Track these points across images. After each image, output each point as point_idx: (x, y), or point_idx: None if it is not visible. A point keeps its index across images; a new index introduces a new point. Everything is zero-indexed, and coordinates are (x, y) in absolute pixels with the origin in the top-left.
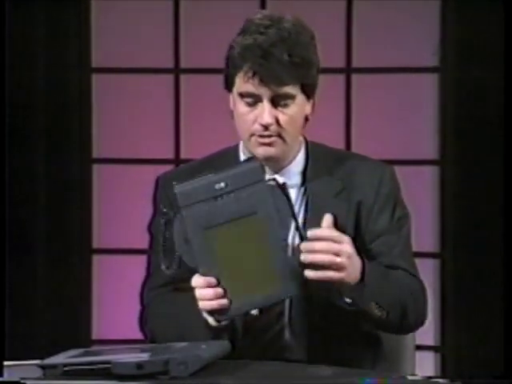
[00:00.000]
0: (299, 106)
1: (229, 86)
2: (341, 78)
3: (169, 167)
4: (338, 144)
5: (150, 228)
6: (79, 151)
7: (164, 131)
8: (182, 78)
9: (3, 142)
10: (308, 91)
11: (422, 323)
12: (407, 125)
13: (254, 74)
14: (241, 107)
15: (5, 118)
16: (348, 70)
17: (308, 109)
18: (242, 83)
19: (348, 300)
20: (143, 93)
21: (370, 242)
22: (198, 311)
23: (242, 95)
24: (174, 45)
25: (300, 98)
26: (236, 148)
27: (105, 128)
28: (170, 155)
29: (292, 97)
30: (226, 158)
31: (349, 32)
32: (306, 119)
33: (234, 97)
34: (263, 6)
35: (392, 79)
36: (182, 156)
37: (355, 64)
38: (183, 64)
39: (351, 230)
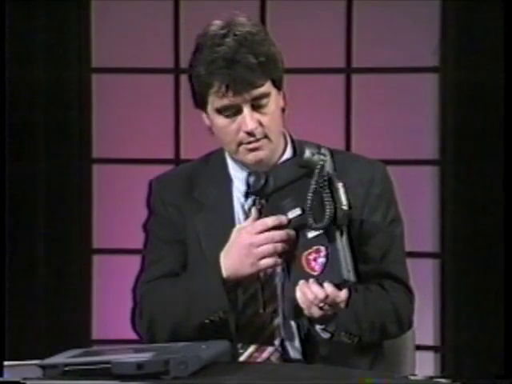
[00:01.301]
0: (275, 101)
1: (201, 105)
2: (341, 78)
3: (169, 167)
4: (338, 144)
5: (146, 226)
6: (79, 151)
7: (164, 131)
8: (182, 78)
9: (3, 143)
10: (278, 84)
11: (408, 328)
12: (407, 125)
13: (227, 87)
14: (220, 122)
15: (5, 118)
16: (348, 70)
17: (281, 101)
18: (216, 99)
19: (319, 329)
20: (143, 93)
21: (363, 244)
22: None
23: (219, 110)
24: (174, 45)
25: (274, 93)
26: (221, 152)
27: (105, 128)
28: (170, 155)
29: (268, 95)
30: (215, 161)
31: (349, 32)
32: (283, 111)
33: (209, 114)
34: (263, 6)
35: (392, 79)
36: (182, 156)
37: (355, 64)
38: (183, 64)
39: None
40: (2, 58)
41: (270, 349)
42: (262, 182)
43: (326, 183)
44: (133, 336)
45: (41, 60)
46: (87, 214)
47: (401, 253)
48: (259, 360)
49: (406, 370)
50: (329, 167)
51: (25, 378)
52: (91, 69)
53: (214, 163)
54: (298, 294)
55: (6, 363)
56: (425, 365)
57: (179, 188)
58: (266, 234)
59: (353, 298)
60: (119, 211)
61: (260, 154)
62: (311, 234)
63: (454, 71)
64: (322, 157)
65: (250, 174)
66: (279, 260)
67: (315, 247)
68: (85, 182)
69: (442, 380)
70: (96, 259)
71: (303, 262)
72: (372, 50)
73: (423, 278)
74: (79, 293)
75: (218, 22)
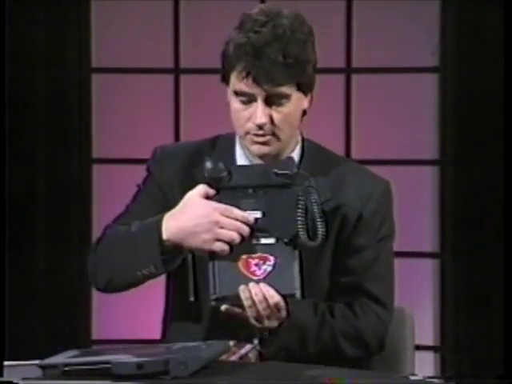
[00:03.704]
0: (295, 103)
1: (226, 80)
2: (341, 78)
3: None
4: (338, 144)
5: (138, 185)
6: (79, 151)
7: (164, 131)
8: (182, 78)
9: (3, 142)
10: (304, 89)
11: (378, 350)
12: (407, 125)
13: (248, 73)
14: (235, 104)
15: (5, 118)
16: (348, 70)
17: (305, 104)
18: (236, 81)
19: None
20: (143, 93)
21: (348, 256)
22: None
23: (236, 93)
24: (174, 45)
25: (295, 95)
26: (231, 136)
27: (105, 128)
28: None
29: (287, 96)
30: (223, 145)
31: (349, 32)
32: (304, 113)
33: (229, 92)
34: None
35: (392, 79)
36: None
37: (355, 64)
38: (183, 64)
39: (332, 242)
40: (2, 58)
41: (248, 346)
42: (223, 171)
43: (313, 204)
44: (133, 336)
45: (41, 60)
46: (87, 213)
47: (384, 271)
48: (237, 355)
49: (405, 370)
50: (312, 189)
51: (24, 378)
52: (91, 69)
53: (221, 147)
54: (243, 295)
55: (5, 363)
56: (425, 365)
57: (181, 161)
58: (236, 222)
59: (306, 319)
60: (119, 211)
61: (265, 149)
62: (260, 241)
63: (453, 71)
64: (309, 181)
65: (209, 164)
66: (227, 250)
67: (262, 254)
68: (85, 182)
69: (436, 380)
70: None
71: (241, 263)
72: (372, 50)
73: (423, 278)
74: (79, 293)
75: (264, 7)
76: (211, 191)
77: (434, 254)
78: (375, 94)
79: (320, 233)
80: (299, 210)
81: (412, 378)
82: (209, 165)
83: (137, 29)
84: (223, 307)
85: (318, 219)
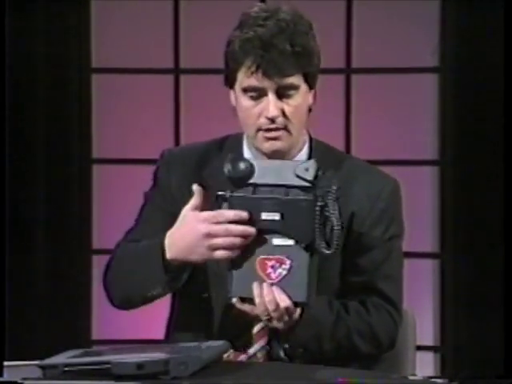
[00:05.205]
0: (303, 96)
1: (230, 82)
2: (341, 78)
3: None
4: (338, 144)
5: (146, 194)
6: (79, 151)
7: (164, 131)
8: (182, 78)
9: (3, 142)
10: (310, 81)
11: (389, 348)
12: (407, 125)
13: (258, 67)
14: (245, 102)
15: (5, 118)
16: (348, 70)
17: (310, 99)
18: (244, 78)
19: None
20: (143, 93)
21: (358, 255)
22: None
23: (245, 90)
24: (174, 45)
25: (303, 88)
26: (238, 137)
27: (105, 128)
28: None
29: (296, 87)
30: (230, 146)
31: (349, 32)
32: (309, 110)
33: (236, 93)
34: None
35: (392, 79)
36: None
37: (355, 64)
38: (183, 64)
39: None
40: (2, 58)
41: (256, 346)
42: (244, 168)
43: (331, 207)
44: (133, 336)
45: (41, 60)
46: (87, 214)
47: (394, 271)
48: (245, 355)
49: (406, 370)
50: (333, 196)
51: (24, 378)
52: (91, 69)
53: (228, 147)
54: (256, 291)
55: (5, 363)
56: (425, 365)
57: (189, 163)
58: (225, 226)
59: (322, 317)
60: (119, 211)
61: (277, 144)
62: (277, 242)
63: (453, 71)
64: (330, 187)
65: (231, 160)
66: (233, 253)
67: (278, 256)
68: (85, 182)
69: (438, 380)
70: (96, 259)
71: (257, 264)
72: (372, 50)
73: (423, 278)
74: (79, 293)
75: (262, 5)
76: (199, 201)
77: (434, 254)
78: (375, 94)
79: (335, 241)
80: (317, 216)
81: (412, 377)
82: (229, 166)
83: (137, 29)
84: (235, 300)
85: (336, 228)
